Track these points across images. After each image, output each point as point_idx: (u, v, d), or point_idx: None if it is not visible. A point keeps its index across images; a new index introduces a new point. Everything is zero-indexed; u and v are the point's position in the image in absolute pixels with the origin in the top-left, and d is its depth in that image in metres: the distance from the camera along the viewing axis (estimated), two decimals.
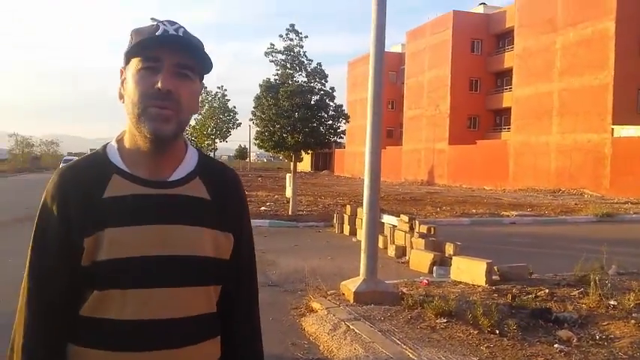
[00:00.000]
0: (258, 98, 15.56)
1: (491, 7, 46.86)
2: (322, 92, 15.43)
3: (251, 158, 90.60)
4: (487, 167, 36.13)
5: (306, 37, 15.33)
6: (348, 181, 44.25)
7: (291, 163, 16.19)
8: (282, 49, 15.33)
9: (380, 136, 5.83)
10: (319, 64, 15.50)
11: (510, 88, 38.97)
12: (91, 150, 1.69)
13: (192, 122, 35.57)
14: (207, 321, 1.22)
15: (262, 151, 19.61)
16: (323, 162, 68.26)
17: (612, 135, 27.48)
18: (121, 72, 1.21)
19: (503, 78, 43.13)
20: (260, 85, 15.54)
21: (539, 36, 32.73)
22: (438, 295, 5.98)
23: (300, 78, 15.47)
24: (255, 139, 16.04)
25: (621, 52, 27.40)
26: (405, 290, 6.38)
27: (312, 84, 15.42)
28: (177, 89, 1.14)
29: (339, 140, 17.99)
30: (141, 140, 1.17)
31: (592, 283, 5.85)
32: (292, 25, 15.31)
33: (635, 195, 24.12)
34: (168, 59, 1.13)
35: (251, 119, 15.98)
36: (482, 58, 43.89)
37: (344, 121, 15.66)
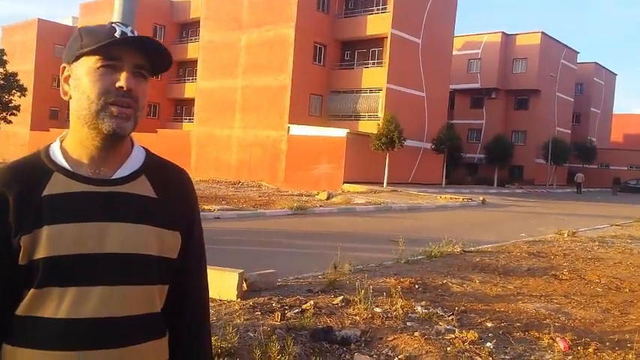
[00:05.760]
0: None
1: None
2: None
3: None
4: (169, 157, 34.42)
5: None
6: None
7: None
8: None
9: None
10: None
11: (193, 78, 38.80)
12: None
13: None
14: (150, 321, 1.19)
15: None
16: None
17: (288, 133, 29.87)
18: (64, 69, 1.20)
19: (186, 68, 42.83)
20: None
21: (225, 31, 33.35)
22: None
23: None
24: None
25: (299, 58, 30.00)
26: None
27: None
28: (136, 88, 1.15)
29: (9, 117, 14.34)
30: (91, 137, 1.16)
31: (360, 291, 5.43)
32: None
33: (305, 187, 26.64)
34: (129, 59, 1.15)
35: None
36: (165, 45, 42.61)
37: (19, 93, 12.42)
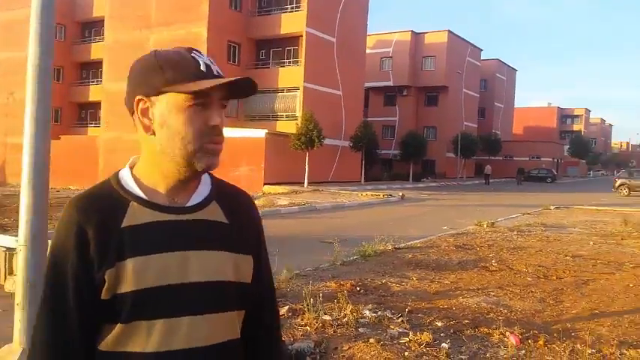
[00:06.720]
0: None
1: None
2: None
3: None
4: (73, 165, 33.02)
5: None
6: None
7: None
8: None
9: (49, 120, 3.69)
10: None
11: (98, 81, 36.83)
12: None
13: None
14: (234, 347, 1.20)
15: None
16: None
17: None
18: (139, 101, 1.12)
19: (90, 70, 40.56)
20: None
21: (132, 31, 31.87)
22: None
23: None
24: None
25: (212, 57, 28.40)
26: None
27: None
28: (222, 122, 1.15)
29: None
30: (177, 171, 1.13)
31: (307, 299, 5.23)
32: None
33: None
34: (218, 95, 1.12)
35: None
36: (66, 46, 40.07)
37: None
